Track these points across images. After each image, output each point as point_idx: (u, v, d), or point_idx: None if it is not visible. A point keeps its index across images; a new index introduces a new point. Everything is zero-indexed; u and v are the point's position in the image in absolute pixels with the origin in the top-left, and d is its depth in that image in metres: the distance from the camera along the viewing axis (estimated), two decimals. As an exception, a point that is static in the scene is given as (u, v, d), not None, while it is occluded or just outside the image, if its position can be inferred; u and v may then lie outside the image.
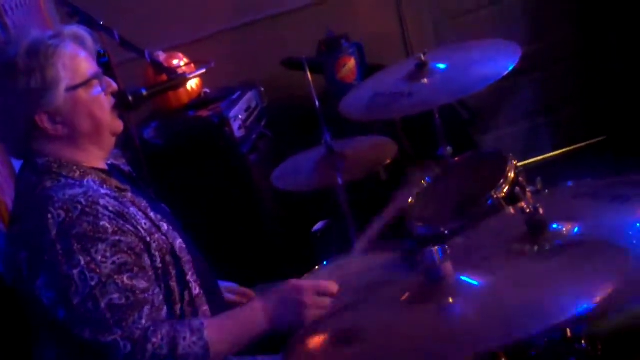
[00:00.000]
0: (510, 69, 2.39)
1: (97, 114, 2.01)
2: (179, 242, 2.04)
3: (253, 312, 1.96)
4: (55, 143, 1.99)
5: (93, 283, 1.81)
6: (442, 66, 2.60)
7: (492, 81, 2.40)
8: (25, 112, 1.95)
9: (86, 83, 1.98)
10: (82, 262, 1.82)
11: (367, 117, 2.75)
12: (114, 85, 2.07)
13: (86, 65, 2.01)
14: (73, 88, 1.96)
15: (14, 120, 1.97)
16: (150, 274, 1.93)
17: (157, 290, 1.93)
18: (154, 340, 1.81)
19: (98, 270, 1.82)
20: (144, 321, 1.83)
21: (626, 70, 4.17)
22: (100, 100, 2.02)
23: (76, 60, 1.99)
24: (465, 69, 2.57)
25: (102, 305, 1.81)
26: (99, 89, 2.02)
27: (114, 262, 1.85)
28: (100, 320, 1.81)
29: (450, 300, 1.51)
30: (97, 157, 2.06)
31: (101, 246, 1.84)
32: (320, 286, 1.95)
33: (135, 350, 1.80)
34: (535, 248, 1.66)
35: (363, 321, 1.61)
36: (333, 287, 1.96)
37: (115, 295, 1.82)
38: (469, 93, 2.58)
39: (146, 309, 1.85)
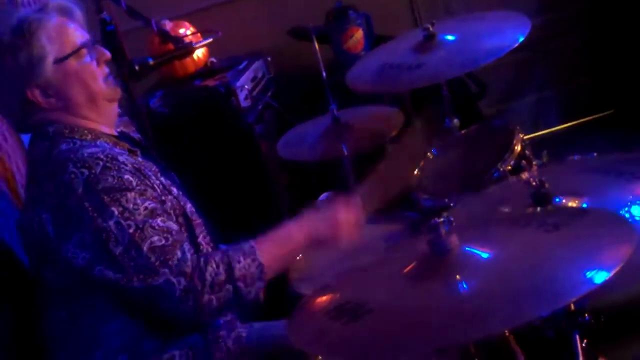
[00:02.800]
0: (520, 41, 2.37)
1: (89, 83, 2.01)
2: (189, 206, 2.06)
3: (295, 231, 2.02)
4: (56, 113, 2.00)
5: (131, 230, 1.83)
6: (451, 38, 2.58)
7: (502, 54, 2.38)
8: (17, 89, 1.96)
9: (74, 53, 1.98)
10: (116, 213, 1.84)
11: (374, 88, 2.74)
12: (107, 54, 2.07)
13: (73, 35, 2.01)
14: (61, 59, 1.96)
15: (8, 97, 1.99)
16: (175, 221, 1.96)
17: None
18: (209, 268, 1.85)
19: (133, 218, 1.85)
20: (188, 255, 1.86)
21: (635, 44, 4.14)
22: (91, 69, 2.02)
23: (63, 31, 1.99)
24: (474, 41, 2.55)
25: (145, 249, 1.83)
26: (89, 58, 2.02)
27: (146, 208, 1.87)
28: (146, 265, 1.83)
29: (458, 277, 1.50)
30: (102, 123, 2.06)
31: (130, 195, 1.87)
32: (356, 212, 2.06)
33: (193, 283, 1.83)
34: (541, 220, 1.65)
35: (368, 295, 1.60)
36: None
37: (155, 237, 1.84)
38: (479, 66, 2.55)
39: (186, 245, 1.88)
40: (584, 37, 4.44)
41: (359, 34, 3.93)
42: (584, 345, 1.70)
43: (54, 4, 2.02)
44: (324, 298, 1.70)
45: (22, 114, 2.01)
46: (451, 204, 2.26)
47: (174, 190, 2.05)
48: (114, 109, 2.10)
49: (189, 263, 1.84)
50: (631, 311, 1.78)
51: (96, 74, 2.03)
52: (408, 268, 1.59)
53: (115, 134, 2.11)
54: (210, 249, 2.06)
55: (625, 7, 4.15)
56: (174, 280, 1.82)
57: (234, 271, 1.86)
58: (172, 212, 1.98)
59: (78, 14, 2.06)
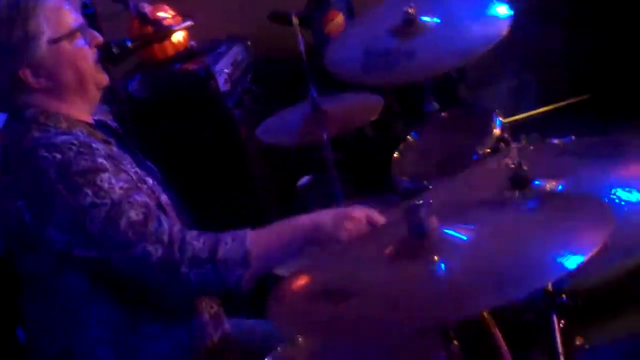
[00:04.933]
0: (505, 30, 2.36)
1: (80, 66, 2.00)
2: (164, 197, 2.05)
3: (299, 222, 1.97)
4: (40, 96, 1.98)
5: (107, 208, 1.83)
6: (428, 20, 2.55)
7: (491, 45, 2.37)
8: (8, 66, 1.94)
9: (69, 35, 1.97)
10: (90, 193, 1.83)
11: (363, 81, 2.71)
12: (99, 37, 2.06)
13: (69, 17, 2.00)
14: (56, 40, 1.95)
15: None
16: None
17: None
18: (194, 242, 1.85)
19: (108, 196, 1.84)
20: (166, 225, 1.86)
21: (612, 29, 4.17)
22: (83, 52, 2.01)
23: (58, 12, 1.97)
24: (458, 28, 2.52)
25: (122, 225, 1.83)
26: (83, 41, 2.01)
27: (121, 187, 1.87)
28: (124, 240, 1.83)
29: (436, 258, 1.51)
30: (82, 110, 2.05)
31: (104, 175, 1.86)
32: (371, 214, 1.95)
33: (172, 252, 1.82)
34: (519, 203, 1.67)
35: (349, 278, 1.61)
36: (380, 219, 1.96)
37: (132, 212, 1.84)
38: (471, 58, 2.54)
39: (163, 217, 1.88)
40: (561, 22, 4.46)
41: (339, 17, 3.92)
42: (561, 325, 1.72)
43: None
44: (305, 280, 1.71)
45: (9, 92, 1.99)
46: (430, 187, 2.28)
47: (149, 180, 2.04)
48: (98, 95, 2.09)
49: (167, 232, 1.84)
50: (608, 292, 1.80)
51: (88, 56, 2.02)
52: (388, 250, 1.60)
53: (92, 122, 2.10)
54: None
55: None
56: (151, 247, 1.82)
57: (218, 251, 1.85)
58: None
59: None
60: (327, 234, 1.92)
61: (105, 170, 1.87)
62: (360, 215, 1.93)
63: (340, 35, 3.47)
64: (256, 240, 1.90)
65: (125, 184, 1.89)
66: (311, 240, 1.94)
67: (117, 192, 1.85)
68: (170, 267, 1.82)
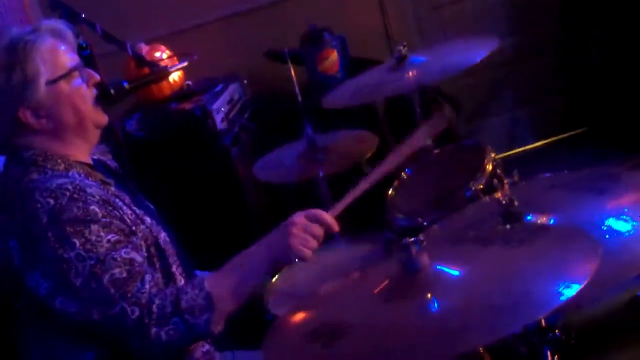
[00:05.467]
0: (486, 54, 2.41)
1: (79, 106, 2.01)
2: (163, 235, 2.05)
3: (249, 251, 1.98)
4: (39, 137, 1.99)
5: (92, 262, 1.82)
6: (421, 59, 2.62)
7: (470, 64, 2.43)
8: (8, 109, 1.95)
9: (67, 75, 1.99)
10: (78, 244, 1.82)
11: (349, 102, 2.76)
12: (96, 77, 2.08)
13: (66, 57, 2.01)
14: (54, 81, 1.97)
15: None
16: (143, 251, 1.94)
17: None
18: (157, 301, 1.83)
19: (95, 250, 1.83)
20: (147, 286, 1.84)
21: (605, 63, 4.20)
22: (82, 92, 2.02)
23: (55, 54, 1.99)
24: (443, 58, 2.59)
25: (105, 281, 1.81)
26: (80, 80, 2.02)
27: (109, 241, 1.86)
28: (105, 297, 1.81)
29: (429, 296, 1.52)
30: (82, 150, 2.06)
31: (94, 227, 1.85)
32: (311, 212, 1.97)
33: (142, 314, 1.81)
34: (510, 238, 1.68)
35: (343, 316, 1.61)
36: (327, 216, 1.97)
37: (116, 270, 1.83)
38: (447, 75, 2.60)
39: (147, 277, 1.87)
40: (557, 56, 4.50)
41: (334, 55, 3.96)
42: (555, 360, 1.72)
43: (46, 26, 2.02)
44: (299, 319, 1.71)
45: (10, 134, 2.00)
46: (425, 224, 2.29)
47: (147, 219, 2.04)
48: (97, 134, 2.10)
49: (146, 294, 1.83)
50: (601, 327, 1.80)
51: (87, 97, 2.03)
52: (380, 287, 1.60)
53: (91, 162, 2.10)
54: (183, 279, 2.05)
55: (597, 26, 4.21)
56: (129, 309, 1.81)
57: (181, 303, 1.84)
58: (142, 242, 1.96)
59: (70, 35, 2.06)
60: (278, 249, 1.94)
61: (96, 221, 1.87)
62: (300, 218, 1.94)
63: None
64: (215, 281, 1.91)
65: (115, 237, 1.88)
66: (267, 261, 1.96)
67: (105, 246, 1.85)
68: (143, 330, 1.81)
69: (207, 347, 2.10)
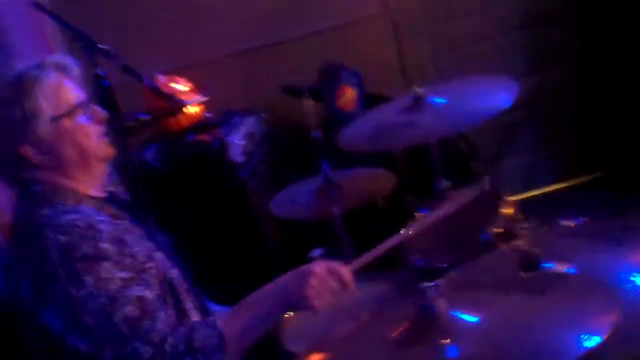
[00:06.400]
0: (509, 105, 2.39)
1: (82, 143, 2.00)
2: (175, 272, 2.04)
3: (263, 292, 1.95)
4: (45, 171, 1.99)
5: (103, 300, 1.81)
6: (440, 100, 2.61)
7: (490, 115, 2.41)
8: (10, 144, 1.96)
9: (70, 113, 1.98)
10: (90, 282, 1.82)
11: (367, 147, 2.75)
12: (101, 113, 2.06)
13: (70, 94, 2.00)
14: (56, 118, 1.96)
15: (1, 151, 1.99)
16: (155, 288, 1.93)
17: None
18: (170, 340, 1.82)
19: (106, 288, 1.82)
20: (161, 325, 1.83)
21: (624, 106, 4.19)
22: (85, 129, 2.01)
23: (59, 90, 1.98)
24: (463, 102, 2.58)
25: (116, 320, 1.81)
26: (84, 117, 2.01)
27: (120, 278, 1.85)
28: (116, 336, 1.81)
29: (448, 341, 1.50)
30: (89, 184, 2.04)
31: (105, 264, 1.85)
32: (332, 266, 1.93)
33: (155, 353, 1.80)
34: (529, 285, 1.66)
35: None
36: (346, 272, 1.93)
37: (129, 308, 1.82)
38: (468, 126, 2.57)
39: (161, 314, 1.86)
40: (575, 99, 4.49)
41: (350, 92, 3.97)
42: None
43: (51, 61, 2.01)
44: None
45: (16, 170, 2.00)
46: (441, 266, 2.27)
47: (159, 255, 2.03)
48: (104, 169, 2.09)
49: (158, 333, 1.82)
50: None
51: (90, 133, 2.02)
52: (396, 332, 1.59)
53: (102, 195, 2.09)
54: (197, 314, 2.05)
55: (616, 70, 4.20)
56: (141, 349, 1.80)
57: (193, 342, 1.83)
58: (154, 279, 1.95)
59: (75, 71, 2.05)
60: (293, 297, 1.91)
61: (107, 258, 1.86)
62: (321, 270, 1.91)
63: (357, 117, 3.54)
64: (227, 321, 1.90)
65: (127, 274, 1.87)
66: (282, 307, 1.95)
67: (117, 284, 1.84)
68: None
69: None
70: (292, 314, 2.44)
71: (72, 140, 1.99)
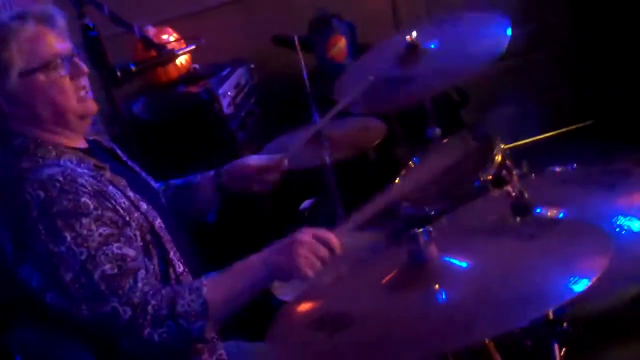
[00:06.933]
0: (504, 47, 2.36)
1: (57, 99, 1.95)
2: (158, 222, 2.01)
3: (249, 263, 1.92)
4: (24, 124, 1.95)
5: (83, 257, 1.79)
6: (432, 46, 2.57)
7: (489, 58, 2.37)
8: None
9: (44, 67, 1.92)
10: (69, 238, 1.80)
11: (368, 109, 2.72)
12: (83, 68, 2.00)
13: (48, 47, 1.94)
14: (27, 73, 1.91)
15: None
16: (136, 244, 1.91)
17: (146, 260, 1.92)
18: (153, 302, 1.80)
19: (86, 244, 1.80)
20: (140, 284, 1.82)
21: (615, 55, 4.18)
22: (61, 84, 1.95)
23: (36, 43, 1.92)
24: (457, 49, 2.54)
25: (96, 277, 1.79)
26: (63, 71, 1.95)
27: (100, 234, 1.83)
28: (95, 293, 1.79)
29: (437, 287, 1.51)
30: (69, 137, 2.01)
31: (85, 220, 1.82)
32: (319, 233, 1.91)
33: (136, 314, 1.78)
34: (520, 230, 1.67)
35: (349, 306, 1.61)
36: (333, 239, 1.91)
37: (107, 266, 1.80)
38: (465, 77, 2.54)
39: (140, 273, 1.84)
40: (565, 48, 4.47)
41: (342, 42, 3.94)
42: (562, 354, 1.71)
43: (34, 11, 1.95)
44: (304, 308, 1.70)
45: None
46: (432, 213, 2.27)
47: (143, 205, 2.00)
48: (85, 124, 2.04)
49: (138, 293, 1.81)
50: (609, 320, 1.80)
51: (66, 89, 1.96)
52: (388, 278, 1.60)
53: (85, 146, 2.05)
54: (182, 266, 2.02)
55: (607, 18, 4.18)
56: (121, 309, 1.78)
57: (176, 307, 1.81)
58: (136, 232, 1.93)
59: (60, 22, 1.99)
60: (282, 268, 1.88)
61: (87, 214, 1.83)
62: (308, 237, 1.89)
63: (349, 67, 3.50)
64: (213, 288, 1.86)
65: (106, 230, 1.85)
66: (269, 277, 1.92)
67: (96, 240, 1.82)
68: (135, 330, 1.79)
69: (210, 334, 2.08)
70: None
71: (45, 96, 1.94)
